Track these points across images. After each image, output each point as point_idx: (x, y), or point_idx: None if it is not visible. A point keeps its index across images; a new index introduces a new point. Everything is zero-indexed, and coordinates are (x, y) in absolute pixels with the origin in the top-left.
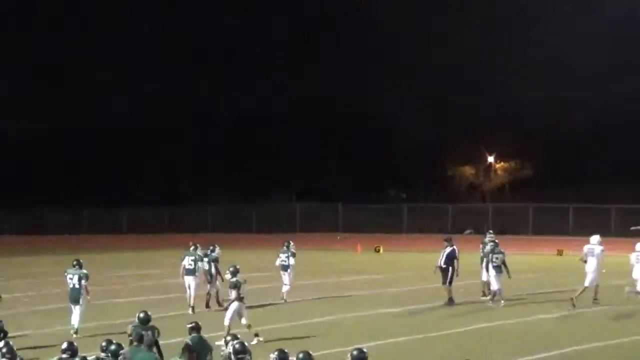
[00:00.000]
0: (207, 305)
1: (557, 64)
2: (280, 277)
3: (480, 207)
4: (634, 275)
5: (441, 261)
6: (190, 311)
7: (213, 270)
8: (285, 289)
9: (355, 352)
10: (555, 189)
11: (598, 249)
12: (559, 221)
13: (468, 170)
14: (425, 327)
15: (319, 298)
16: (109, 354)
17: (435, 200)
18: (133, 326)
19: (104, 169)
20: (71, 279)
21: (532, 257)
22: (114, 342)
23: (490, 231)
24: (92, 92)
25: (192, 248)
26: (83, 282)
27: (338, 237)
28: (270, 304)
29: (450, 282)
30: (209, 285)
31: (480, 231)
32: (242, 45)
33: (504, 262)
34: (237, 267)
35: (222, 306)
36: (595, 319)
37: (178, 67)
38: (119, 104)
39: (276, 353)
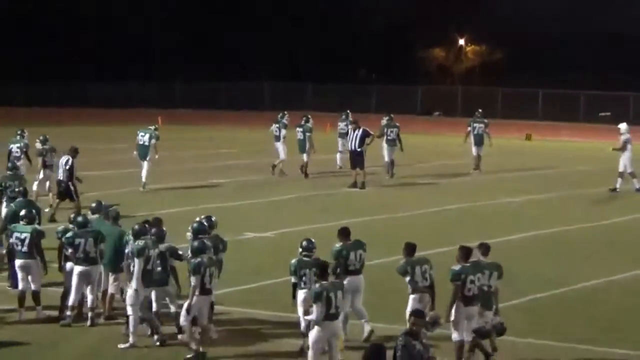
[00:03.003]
0: (302, 171)
1: None
2: (337, 143)
3: (449, 89)
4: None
5: (354, 144)
6: (272, 170)
7: (306, 140)
8: (339, 156)
9: (304, 243)
10: (525, 74)
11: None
12: (528, 106)
13: (438, 52)
14: (395, 207)
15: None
16: (76, 226)
17: (404, 82)
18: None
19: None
20: (143, 136)
21: (500, 141)
22: (82, 215)
23: (480, 110)
24: None
25: (279, 116)
26: (153, 141)
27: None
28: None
29: (363, 166)
30: (304, 155)
31: (448, 114)
32: None
33: (398, 136)
34: (47, 136)
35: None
36: (565, 204)
37: None
38: None
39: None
